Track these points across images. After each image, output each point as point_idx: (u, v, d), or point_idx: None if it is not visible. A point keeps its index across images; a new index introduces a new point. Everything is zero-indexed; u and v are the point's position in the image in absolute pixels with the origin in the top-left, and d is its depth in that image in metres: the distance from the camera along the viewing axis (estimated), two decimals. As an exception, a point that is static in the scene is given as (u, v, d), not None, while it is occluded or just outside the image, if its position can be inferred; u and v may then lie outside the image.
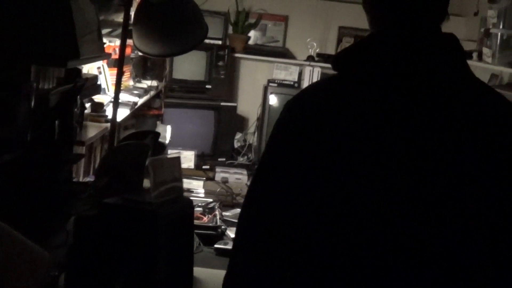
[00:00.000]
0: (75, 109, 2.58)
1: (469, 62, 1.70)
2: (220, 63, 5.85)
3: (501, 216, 1.54)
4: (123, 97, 3.64)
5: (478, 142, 1.54)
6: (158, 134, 2.75)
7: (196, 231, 3.00)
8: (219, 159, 5.59)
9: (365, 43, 1.67)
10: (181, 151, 5.02)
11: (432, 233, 1.52)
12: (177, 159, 2.38)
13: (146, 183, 2.36)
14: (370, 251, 1.53)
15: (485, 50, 4.18)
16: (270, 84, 5.88)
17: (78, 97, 2.62)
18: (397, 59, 1.58)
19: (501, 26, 4.09)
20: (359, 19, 6.23)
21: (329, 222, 1.55)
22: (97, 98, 3.29)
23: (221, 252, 3.13)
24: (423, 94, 1.56)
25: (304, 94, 1.70)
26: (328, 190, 1.55)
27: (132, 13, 3.11)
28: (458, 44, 1.64)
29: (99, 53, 2.32)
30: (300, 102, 1.67)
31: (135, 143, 2.52)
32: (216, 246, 3.19)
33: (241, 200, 4.21)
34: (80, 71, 2.61)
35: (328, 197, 1.55)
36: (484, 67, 4.25)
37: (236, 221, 3.44)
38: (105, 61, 3.60)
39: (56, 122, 2.28)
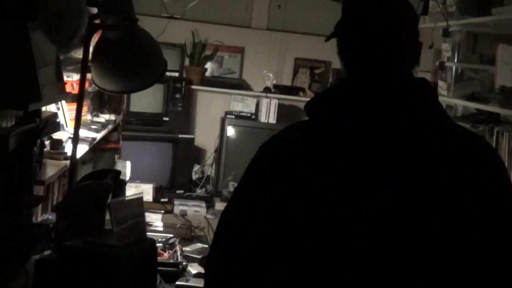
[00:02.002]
0: (35, 149, 2.55)
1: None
2: (177, 95, 5.85)
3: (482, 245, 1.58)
4: (82, 133, 3.60)
5: (451, 175, 1.58)
6: (119, 173, 2.73)
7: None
8: (177, 192, 5.57)
9: (337, 90, 1.70)
10: (139, 184, 5.00)
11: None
12: (139, 200, 2.37)
13: (108, 223, 2.34)
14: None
15: (441, 83, 4.25)
16: (228, 116, 5.90)
17: (38, 136, 2.59)
18: (371, 104, 1.60)
19: (455, 60, 4.16)
20: (314, 50, 6.36)
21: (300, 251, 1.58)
22: (56, 135, 3.26)
23: (182, 289, 3.11)
24: (396, 135, 1.58)
25: (278, 136, 1.71)
26: (298, 228, 1.57)
27: (91, 49, 3.09)
28: (430, 87, 1.69)
29: (60, 94, 2.31)
30: (274, 143, 1.69)
31: (96, 183, 2.49)
32: (177, 283, 3.16)
33: (200, 233, 4.20)
34: (40, 110, 2.58)
35: (297, 232, 1.57)
36: (439, 99, 4.32)
37: (197, 256, 3.44)
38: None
39: (16, 164, 2.25)
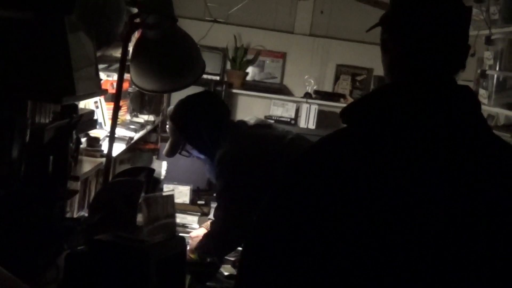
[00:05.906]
0: (70, 144, 2.58)
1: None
2: (218, 99, 5.85)
3: None
4: (119, 131, 3.63)
5: (488, 190, 1.53)
6: (152, 170, 2.75)
7: (189, 267, 2.98)
8: (215, 194, 5.55)
9: (377, 96, 1.64)
10: (177, 185, 5.00)
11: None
12: (171, 197, 2.37)
13: (139, 220, 2.35)
14: None
15: (481, 91, 4.20)
16: (267, 120, 5.89)
17: (74, 132, 2.61)
18: (412, 113, 1.55)
19: (497, 68, 4.11)
20: (356, 57, 6.33)
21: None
22: (93, 132, 3.29)
23: (213, 290, 3.11)
24: (437, 145, 1.53)
25: (316, 146, 1.66)
26: (339, 237, 1.52)
27: (130, 49, 3.12)
28: (473, 97, 1.62)
29: (95, 89, 2.32)
30: (313, 153, 1.65)
31: (129, 179, 2.51)
32: (208, 284, 3.16)
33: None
34: (76, 106, 2.61)
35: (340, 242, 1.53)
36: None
37: (230, 258, 3.44)
38: (103, 95, 3.61)
39: (51, 157, 2.27)
